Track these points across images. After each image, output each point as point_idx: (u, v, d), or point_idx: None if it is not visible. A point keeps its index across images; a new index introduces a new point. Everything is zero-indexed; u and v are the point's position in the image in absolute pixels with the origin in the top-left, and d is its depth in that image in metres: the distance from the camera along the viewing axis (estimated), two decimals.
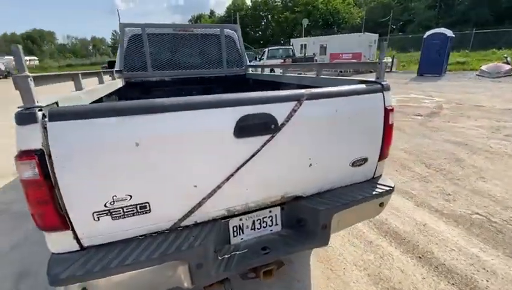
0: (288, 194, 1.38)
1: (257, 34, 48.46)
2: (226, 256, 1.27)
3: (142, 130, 1.01)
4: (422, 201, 2.68)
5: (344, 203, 1.40)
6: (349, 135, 1.41)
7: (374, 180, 1.60)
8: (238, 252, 1.29)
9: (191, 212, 1.18)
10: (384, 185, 1.55)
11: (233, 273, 1.23)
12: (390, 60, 16.83)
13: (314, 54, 12.51)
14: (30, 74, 0.91)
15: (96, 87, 1.80)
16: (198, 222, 1.22)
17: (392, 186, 1.55)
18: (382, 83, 1.47)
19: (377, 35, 19.40)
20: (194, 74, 3.49)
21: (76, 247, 1.06)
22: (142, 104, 1.04)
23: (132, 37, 3.13)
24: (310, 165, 1.36)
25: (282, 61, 11.16)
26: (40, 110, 0.92)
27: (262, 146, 1.20)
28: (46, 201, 0.95)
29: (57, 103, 1.09)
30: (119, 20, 3.65)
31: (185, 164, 1.10)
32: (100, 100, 1.75)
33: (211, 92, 3.72)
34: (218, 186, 1.18)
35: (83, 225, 1.03)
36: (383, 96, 1.45)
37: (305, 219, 1.40)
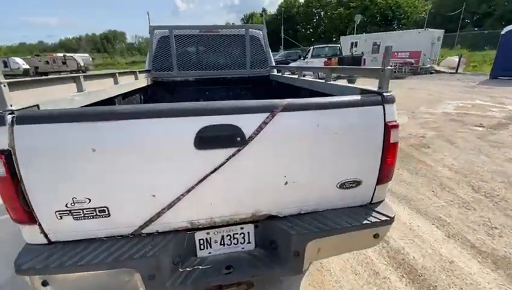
0: (260, 212, 1.27)
1: (308, 32, 47.23)
2: (188, 269, 1.22)
3: (98, 137, 1.03)
4: (457, 232, 2.25)
5: (324, 229, 1.23)
6: (335, 153, 1.24)
7: (371, 206, 1.38)
8: (200, 267, 1.24)
9: (150, 221, 1.16)
10: (381, 214, 1.32)
11: (189, 289, 1.18)
12: (457, 59, 14.70)
13: (362, 52, 11.54)
14: (4, 81, 1.00)
15: (104, 89, 1.92)
16: (160, 231, 1.21)
17: (391, 216, 1.31)
18: (384, 93, 1.25)
19: (442, 31, 17.05)
20: (217, 74, 3.52)
21: (44, 241, 1.13)
22: (100, 110, 1.06)
23: (161, 38, 3.29)
24: (286, 183, 1.23)
25: (326, 60, 10.61)
26: (12, 113, 0.99)
27: (227, 159, 1.12)
28: (13, 197, 1.03)
29: (38, 106, 1.18)
30: (149, 23, 4.01)
31: (142, 172, 1.09)
32: (105, 101, 1.86)
33: (233, 92, 3.72)
34: (178, 198, 1.14)
35: (48, 222, 1.09)
36: (384, 109, 1.23)
37: (277, 242, 1.28)
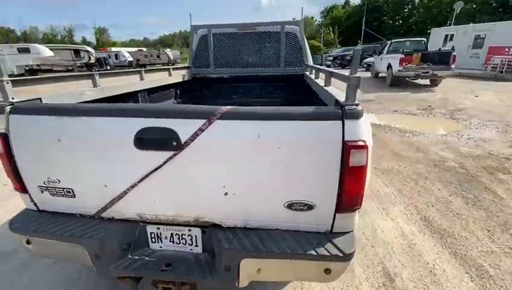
0: (202, 219, 1.26)
1: (396, 23, 41.81)
2: (136, 257, 1.32)
3: (61, 129, 1.20)
4: None
5: (260, 250, 1.14)
6: (280, 169, 1.11)
7: (329, 236, 1.19)
8: (146, 258, 1.32)
9: (105, 207, 1.30)
10: (335, 247, 1.13)
11: (131, 275, 1.28)
12: None
13: (452, 48, 9.41)
14: (7, 79, 1.27)
15: (121, 84, 2.18)
16: (116, 218, 1.34)
17: (345, 253, 1.11)
18: (346, 106, 1.04)
19: None
20: (251, 72, 3.53)
21: (34, 208, 1.41)
22: (61, 106, 1.23)
23: (201, 37, 3.51)
24: (226, 193, 1.18)
25: (402, 56, 9.17)
26: (11, 105, 1.26)
27: (165, 162, 1.15)
28: (10, 170, 1.31)
29: (40, 99, 1.44)
30: (191, 23, 4.23)
31: (96, 164, 1.22)
32: (123, 96, 2.12)
33: (266, 91, 3.68)
34: (125, 192, 1.24)
35: (34, 193, 1.35)
36: (343, 126, 1.03)
37: (215, 252, 1.25)
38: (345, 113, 1.03)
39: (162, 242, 1.37)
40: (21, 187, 1.35)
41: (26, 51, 19.96)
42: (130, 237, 1.33)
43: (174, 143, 1.12)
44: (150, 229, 1.35)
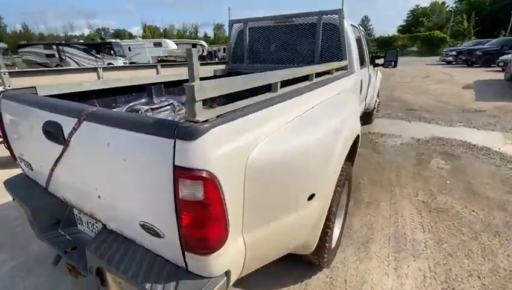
0: (94, 215, 1.28)
1: None
2: (62, 233, 1.49)
3: (15, 113, 1.45)
4: None
5: (111, 263, 1.06)
6: (127, 185, 0.99)
7: (182, 275, 0.98)
8: (67, 237, 1.46)
9: (46, 184, 1.50)
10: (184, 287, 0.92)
11: (52, 248, 1.45)
12: None
13: None
14: (5, 70, 1.62)
15: (127, 78, 2.41)
16: (55, 195, 1.53)
17: None
18: (181, 123, 0.81)
19: None
20: (284, 68, 3.24)
21: (23, 173, 1.78)
22: (23, 97, 1.47)
23: (239, 32, 3.46)
24: (99, 197, 1.15)
25: None
26: (3, 92, 1.62)
27: (61, 154, 1.22)
28: (6, 143, 1.69)
29: (35, 88, 1.77)
30: (229, 18, 3.94)
31: (35, 147, 1.42)
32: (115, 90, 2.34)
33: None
34: (49, 175, 1.39)
35: (20, 161, 1.71)
36: (174, 146, 0.81)
37: None
38: (179, 131, 0.80)
39: (83, 225, 1.48)
40: (13, 156, 1.72)
41: (159, 45, 24.87)
42: (60, 214, 1.50)
43: (61, 138, 1.16)
44: (76, 211, 1.48)
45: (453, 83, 10.35)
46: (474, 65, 16.03)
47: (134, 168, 0.93)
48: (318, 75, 1.96)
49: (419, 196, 2.77)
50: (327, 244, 1.57)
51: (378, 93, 5.59)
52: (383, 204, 2.64)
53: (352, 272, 1.86)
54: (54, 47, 22.31)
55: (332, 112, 1.55)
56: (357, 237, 2.20)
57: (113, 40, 28.23)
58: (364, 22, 73.73)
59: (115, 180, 1.04)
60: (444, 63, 19.26)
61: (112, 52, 22.35)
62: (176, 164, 0.81)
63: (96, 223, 1.35)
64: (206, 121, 0.82)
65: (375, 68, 4.54)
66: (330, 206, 1.51)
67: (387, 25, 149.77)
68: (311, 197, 1.24)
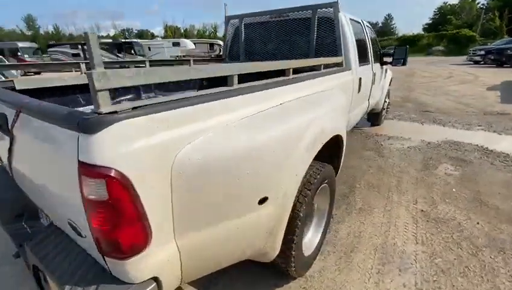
0: (42, 209, 1.25)
1: None
2: (24, 225, 1.48)
3: None
4: None
5: (42, 260, 1.02)
6: (50, 179, 0.94)
7: (109, 279, 0.91)
8: (28, 230, 1.45)
9: (12, 176, 1.50)
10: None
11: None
12: None
13: None
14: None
15: None
16: (19, 185, 1.53)
17: None
18: (84, 115, 0.74)
19: None
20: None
21: None
22: None
23: (234, 28, 3.38)
24: (39, 191, 1.11)
25: None
26: None
27: (10, 145, 1.20)
28: None
29: (13, 82, 1.79)
30: (225, 14, 3.75)
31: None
32: None
33: None
34: (9, 166, 1.38)
35: None
36: (78, 140, 0.74)
37: None
38: (82, 123, 0.73)
39: (44, 220, 1.47)
40: None
41: (177, 44, 25.38)
42: (24, 207, 1.49)
43: (7, 130, 1.14)
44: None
45: (477, 84, 9.65)
46: (505, 65, 14.88)
47: (52, 162, 0.88)
48: (301, 71, 1.84)
49: (418, 204, 2.55)
50: (294, 252, 1.45)
51: (388, 93, 5.29)
52: (377, 211, 2.46)
53: (329, 283, 1.72)
54: (79, 47, 23.46)
55: (302, 110, 1.42)
56: (341, 245, 2.05)
57: (134, 40, 29.12)
58: (387, 21, 71.19)
59: (42, 174, 0.99)
60: (471, 63, 18.05)
61: (132, 51, 23.15)
62: (79, 159, 0.74)
63: (47, 218, 1.33)
64: (115, 112, 0.74)
65: (383, 67, 4.28)
66: (295, 212, 1.40)
67: (413, 24, 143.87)
68: (262, 200, 1.13)
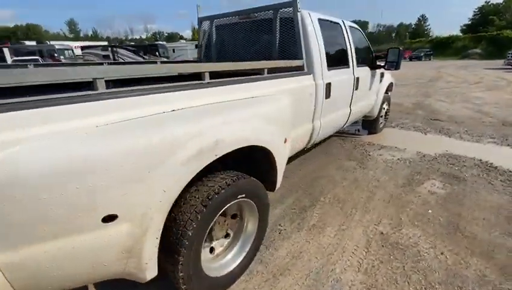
0: None
1: None
2: None
3: None
4: None
5: None
6: None
7: None
8: None
9: None
10: None
11: None
12: None
13: None
14: None
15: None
16: None
17: None
18: None
19: None
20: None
21: None
22: None
23: (206, 30, 3.30)
24: None
25: None
26: None
27: None
28: None
29: None
30: (198, 15, 3.57)
31: None
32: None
33: None
34: None
35: None
36: None
37: None
38: None
39: None
40: None
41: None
42: None
43: None
44: None
45: (507, 91, 8.68)
46: None
47: None
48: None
49: (380, 225, 2.27)
50: (182, 274, 1.32)
51: (388, 99, 4.90)
52: (330, 230, 2.23)
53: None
54: (109, 49, 25.09)
55: (193, 118, 1.29)
56: (274, 266, 1.87)
57: (159, 43, 30.53)
58: (421, 22, 67.37)
59: None
60: (509, 67, 16.39)
61: (156, 53, 24.24)
62: None
63: None
64: None
65: (376, 70, 3.96)
66: (180, 230, 1.27)
67: (450, 25, 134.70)
68: (109, 218, 1.02)
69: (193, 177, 1.37)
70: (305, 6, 2.46)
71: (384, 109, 4.76)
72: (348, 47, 3.18)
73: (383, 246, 2.03)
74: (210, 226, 1.43)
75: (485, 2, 50.49)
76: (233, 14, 2.98)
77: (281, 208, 2.56)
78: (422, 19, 67.05)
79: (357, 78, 3.32)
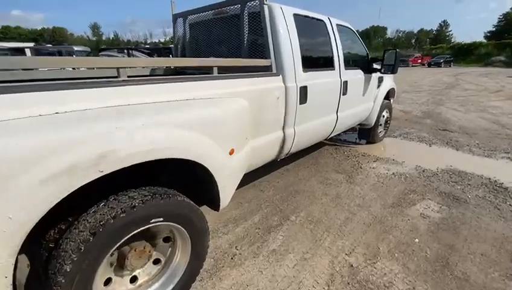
0: None
1: None
2: None
3: None
4: None
5: None
6: None
7: None
8: None
9: None
10: None
11: None
12: None
13: None
14: None
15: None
16: None
17: None
18: None
19: None
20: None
21: None
22: None
23: (179, 27, 3.08)
24: None
25: None
26: None
27: None
28: None
29: None
30: (172, 12, 3.30)
31: None
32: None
33: None
34: None
35: None
36: None
37: None
38: None
39: None
40: None
41: None
42: None
43: None
44: None
45: None
46: None
47: None
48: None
49: (352, 255, 1.91)
50: None
51: (389, 107, 4.48)
52: (291, 258, 1.89)
53: None
54: (125, 51, 25.82)
55: (72, 124, 1.02)
56: None
57: (172, 46, 31.14)
58: (442, 28, 64.97)
59: None
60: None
61: (170, 55, 24.67)
62: None
63: None
64: None
65: (372, 74, 3.58)
66: (56, 265, 1.02)
67: (473, 32, 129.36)
68: None
69: (92, 196, 1.12)
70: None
71: (383, 116, 4.35)
72: (334, 47, 2.85)
73: (348, 283, 1.67)
74: (106, 257, 1.16)
75: (511, 8, 48.00)
76: (202, 9, 2.73)
77: (244, 226, 2.25)
78: (444, 24, 64.64)
79: (345, 82, 2.97)
